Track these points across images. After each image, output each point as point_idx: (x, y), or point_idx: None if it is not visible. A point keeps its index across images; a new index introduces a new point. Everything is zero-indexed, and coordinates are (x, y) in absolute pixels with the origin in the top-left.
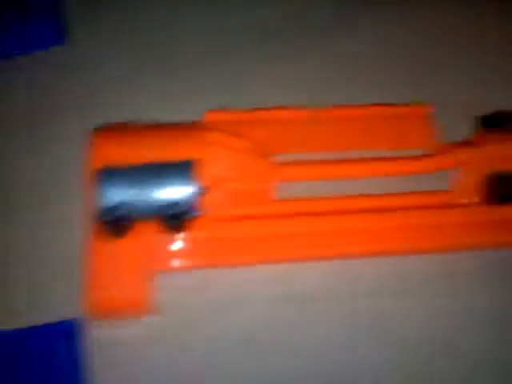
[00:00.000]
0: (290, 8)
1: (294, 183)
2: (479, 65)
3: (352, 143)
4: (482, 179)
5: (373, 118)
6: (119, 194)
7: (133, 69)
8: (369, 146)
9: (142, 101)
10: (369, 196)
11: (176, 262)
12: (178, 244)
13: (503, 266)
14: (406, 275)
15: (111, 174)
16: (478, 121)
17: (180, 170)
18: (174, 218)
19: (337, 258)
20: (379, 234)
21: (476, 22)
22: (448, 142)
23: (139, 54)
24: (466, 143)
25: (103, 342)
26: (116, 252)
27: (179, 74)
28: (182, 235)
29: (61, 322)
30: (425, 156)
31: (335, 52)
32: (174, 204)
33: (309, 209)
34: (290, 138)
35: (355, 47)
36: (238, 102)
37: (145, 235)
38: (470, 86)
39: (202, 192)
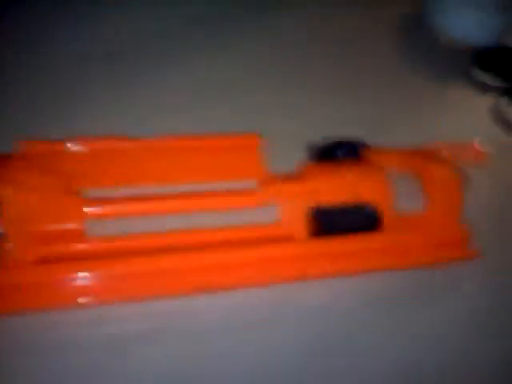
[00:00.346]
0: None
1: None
2: (312, 91)
3: (179, 175)
4: (306, 212)
5: (203, 148)
6: None
7: None
8: (196, 178)
9: None
10: (195, 231)
11: None
12: None
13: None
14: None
15: None
16: (310, 150)
17: None
18: None
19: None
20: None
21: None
22: (278, 173)
23: None
24: (292, 176)
25: None
26: None
27: None
28: None
29: None
30: (250, 191)
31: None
32: None
33: (125, 246)
34: (111, 170)
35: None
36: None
37: None
38: (301, 114)
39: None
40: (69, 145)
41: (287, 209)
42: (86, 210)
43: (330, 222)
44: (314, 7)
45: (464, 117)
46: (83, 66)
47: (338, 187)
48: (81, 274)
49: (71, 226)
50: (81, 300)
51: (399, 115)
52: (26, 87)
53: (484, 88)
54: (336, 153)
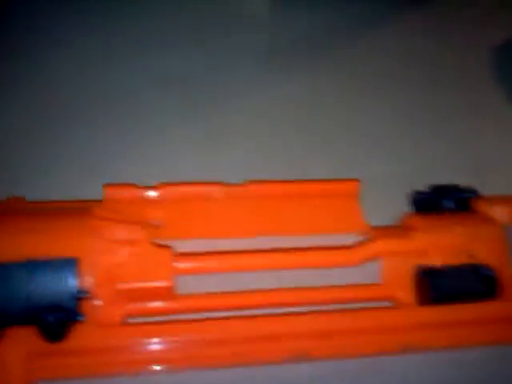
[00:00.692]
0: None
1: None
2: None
3: (270, 226)
4: (412, 273)
5: (297, 195)
6: None
7: None
8: (287, 232)
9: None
10: (289, 290)
11: (58, 373)
12: (59, 353)
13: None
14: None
15: None
16: (411, 199)
17: (62, 268)
18: (55, 323)
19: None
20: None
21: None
22: (378, 226)
23: None
24: (394, 230)
25: None
26: None
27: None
28: (64, 344)
29: None
30: (348, 248)
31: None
32: (53, 308)
33: (215, 305)
34: (198, 219)
35: None
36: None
37: (20, 345)
38: (402, 157)
39: (87, 294)
40: (157, 191)
41: (390, 269)
42: (176, 265)
43: (439, 286)
44: None
45: None
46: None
47: (449, 245)
48: (168, 338)
49: (160, 283)
50: (161, 366)
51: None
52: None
53: None
54: (443, 203)
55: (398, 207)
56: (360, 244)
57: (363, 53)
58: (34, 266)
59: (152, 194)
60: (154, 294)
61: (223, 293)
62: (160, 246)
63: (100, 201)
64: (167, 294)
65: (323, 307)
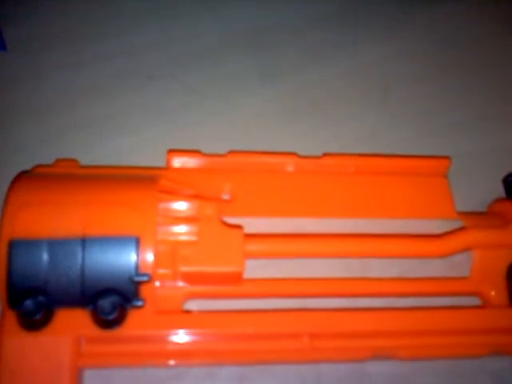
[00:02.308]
0: None
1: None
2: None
3: (346, 208)
4: (507, 268)
5: (373, 175)
6: (36, 276)
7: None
8: (364, 214)
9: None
10: (367, 280)
11: (109, 361)
12: (112, 341)
13: None
14: None
15: (27, 247)
16: (505, 183)
17: (120, 247)
18: (110, 308)
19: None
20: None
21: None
22: (467, 212)
23: None
24: (488, 218)
25: None
26: (32, 349)
27: None
28: (118, 331)
29: None
30: (438, 236)
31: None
32: (109, 291)
33: (284, 292)
34: (267, 195)
35: None
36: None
37: (70, 329)
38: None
39: (147, 278)
40: (225, 160)
41: (480, 262)
42: (249, 248)
43: None
44: None
45: None
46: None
47: None
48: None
49: (231, 268)
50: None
51: None
52: None
53: None
54: None
55: (486, 191)
56: (450, 233)
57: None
58: (90, 243)
59: (219, 163)
60: (222, 278)
61: (292, 279)
62: (231, 225)
63: (163, 169)
64: (236, 279)
65: (398, 301)
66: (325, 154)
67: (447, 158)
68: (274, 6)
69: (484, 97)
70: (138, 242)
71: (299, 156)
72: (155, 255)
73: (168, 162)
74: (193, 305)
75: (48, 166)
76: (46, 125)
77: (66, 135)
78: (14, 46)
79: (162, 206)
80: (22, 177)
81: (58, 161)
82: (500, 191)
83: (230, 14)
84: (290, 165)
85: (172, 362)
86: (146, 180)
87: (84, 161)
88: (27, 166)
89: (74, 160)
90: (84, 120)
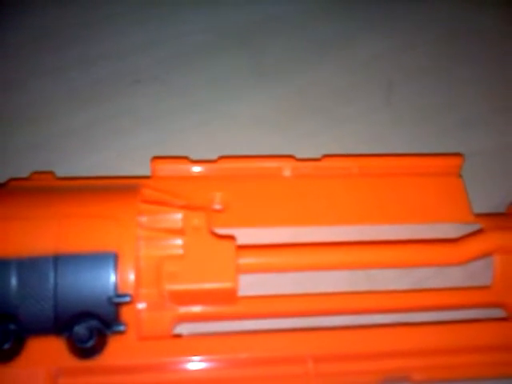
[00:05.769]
0: None
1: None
2: None
3: (350, 215)
4: None
5: (380, 176)
6: (4, 300)
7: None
8: (370, 220)
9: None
10: (375, 294)
11: None
12: (91, 372)
13: None
14: None
15: None
16: None
17: (96, 265)
18: (87, 335)
19: None
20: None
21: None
22: (485, 214)
23: None
24: (509, 220)
25: None
26: (2, 383)
27: None
28: (97, 360)
29: None
30: (454, 241)
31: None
32: (86, 315)
33: (286, 311)
34: (262, 203)
35: None
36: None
37: (44, 359)
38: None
39: (128, 298)
40: (214, 166)
41: (502, 268)
42: (242, 261)
43: None
44: None
45: None
46: None
47: None
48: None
49: (223, 284)
50: None
51: None
52: None
53: None
54: None
55: (503, 191)
56: (468, 237)
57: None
58: (62, 261)
59: (209, 169)
60: (214, 297)
61: (292, 295)
62: (221, 236)
63: (146, 177)
64: (230, 297)
65: (411, 316)
66: (325, 156)
67: (460, 155)
68: (268, 1)
69: (495, 89)
70: (116, 259)
71: (297, 159)
72: (137, 273)
73: (153, 170)
74: (182, 328)
75: (23, 179)
76: (22, 135)
77: (45, 145)
78: None
79: (144, 217)
80: None
81: (34, 173)
82: None
83: (219, 9)
84: (286, 169)
85: None
86: (126, 190)
87: (65, 172)
88: (1, 180)
89: (50, 172)
90: (65, 128)
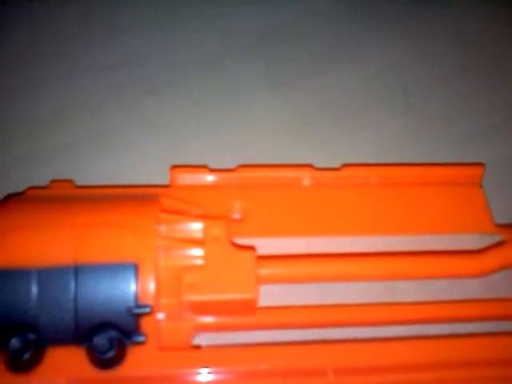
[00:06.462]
0: None
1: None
2: None
3: (370, 225)
4: None
5: (399, 185)
6: (24, 310)
7: None
8: (389, 230)
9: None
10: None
11: None
12: (111, 382)
13: None
14: None
15: (13, 278)
16: None
17: (116, 276)
18: (107, 346)
19: None
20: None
21: None
22: (505, 223)
23: None
24: None
25: None
26: None
27: None
28: (117, 371)
29: None
30: (475, 253)
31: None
32: (106, 325)
33: (306, 322)
34: (285, 213)
35: None
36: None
37: (63, 370)
38: None
39: (148, 309)
40: (234, 175)
41: None
42: (262, 272)
43: None
44: None
45: None
46: None
47: None
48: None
49: (243, 295)
50: None
51: None
52: None
53: None
54: None
55: None
56: (489, 248)
57: None
58: (83, 272)
59: (228, 178)
60: (234, 308)
61: (312, 307)
62: (242, 246)
63: (166, 187)
64: (250, 308)
65: (430, 328)
66: (344, 165)
67: (481, 164)
68: (281, 8)
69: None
70: (136, 269)
71: (316, 168)
72: (157, 283)
73: (171, 179)
74: (202, 339)
75: (42, 187)
76: (40, 144)
77: (62, 154)
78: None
79: (163, 227)
80: (10, 200)
81: (53, 182)
82: None
83: (233, 17)
84: (305, 178)
85: None
86: (146, 199)
87: (82, 181)
88: (20, 188)
89: (70, 181)
90: (81, 138)
